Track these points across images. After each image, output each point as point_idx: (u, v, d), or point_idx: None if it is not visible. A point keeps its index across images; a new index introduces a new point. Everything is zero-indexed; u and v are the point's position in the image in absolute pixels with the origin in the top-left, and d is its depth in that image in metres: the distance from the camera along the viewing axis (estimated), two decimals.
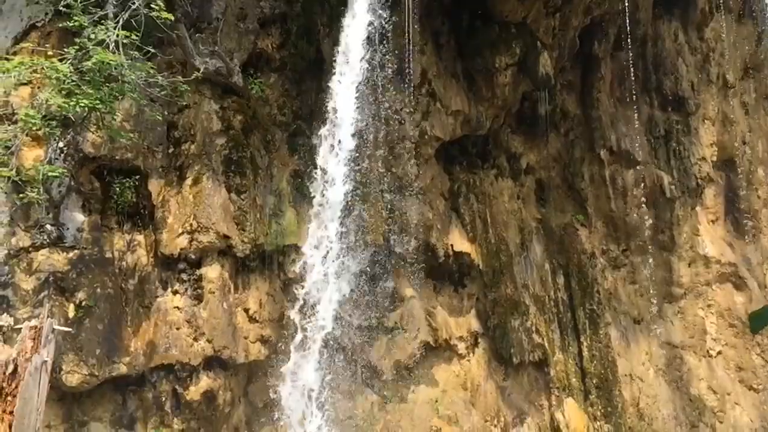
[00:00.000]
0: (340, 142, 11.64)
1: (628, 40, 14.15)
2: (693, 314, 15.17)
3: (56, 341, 6.41)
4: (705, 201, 15.84)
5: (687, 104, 15.97)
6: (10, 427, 5.70)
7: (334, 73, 11.77)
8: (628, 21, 13.92)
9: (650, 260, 14.92)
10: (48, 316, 6.24)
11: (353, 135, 11.64)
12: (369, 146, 11.96)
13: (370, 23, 11.58)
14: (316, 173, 11.79)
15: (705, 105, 16.17)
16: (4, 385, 5.88)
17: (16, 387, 5.83)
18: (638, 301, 14.97)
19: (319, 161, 11.77)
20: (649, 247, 14.93)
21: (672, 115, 15.98)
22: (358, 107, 11.66)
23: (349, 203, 11.74)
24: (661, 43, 16.07)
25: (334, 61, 11.85)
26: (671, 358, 14.77)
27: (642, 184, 14.95)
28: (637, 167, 15.01)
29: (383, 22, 11.60)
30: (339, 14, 11.73)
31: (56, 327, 6.21)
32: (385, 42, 11.74)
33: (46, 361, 5.97)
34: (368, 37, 11.58)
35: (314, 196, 11.71)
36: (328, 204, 11.60)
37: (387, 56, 11.77)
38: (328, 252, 11.41)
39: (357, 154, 11.77)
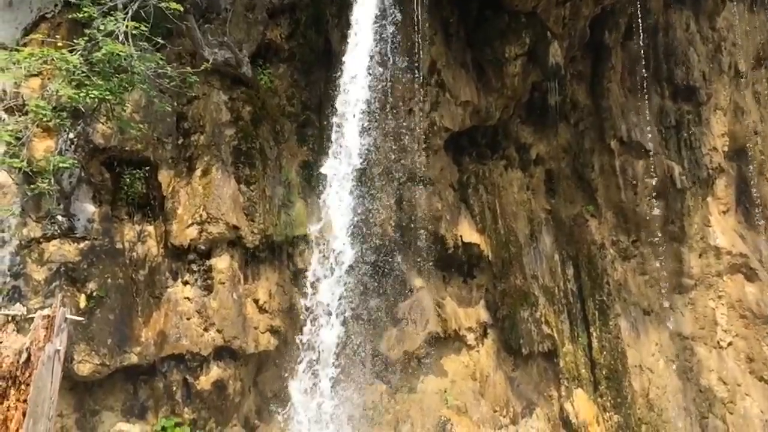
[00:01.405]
0: (336, 252, 10.58)
1: (639, 30, 14.06)
2: (703, 305, 15.10)
3: (68, 331, 6.44)
4: (716, 191, 15.74)
5: (698, 94, 15.86)
6: (24, 415, 5.74)
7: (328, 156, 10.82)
8: (639, 10, 13.84)
9: (660, 251, 14.86)
10: (60, 306, 6.27)
11: (352, 243, 10.55)
12: (378, 139, 11.83)
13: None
14: (306, 293, 10.62)
15: (716, 95, 16.05)
16: (18, 373, 5.93)
17: (30, 375, 5.87)
18: (648, 292, 14.92)
19: (310, 274, 10.66)
20: (660, 237, 14.86)
21: (683, 105, 15.87)
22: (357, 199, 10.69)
23: (346, 340, 10.55)
24: (673, 32, 15.94)
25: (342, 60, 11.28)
26: (681, 349, 14.72)
27: (652, 175, 14.86)
28: (648, 158, 14.91)
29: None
30: (348, 4, 11.68)
31: (69, 316, 6.24)
32: (394, 33, 11.54)
33: (59, 350, 6.01)
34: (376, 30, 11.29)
35: (301, 333, 10.29)
36: (320, 344, 10.28)
37: (396, 47, 11.62)
38: (321, 406, 10.21)
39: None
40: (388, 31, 11.40)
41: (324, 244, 10.77)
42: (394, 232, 12.24)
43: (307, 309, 10.75)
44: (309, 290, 10.77)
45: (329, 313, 10.48)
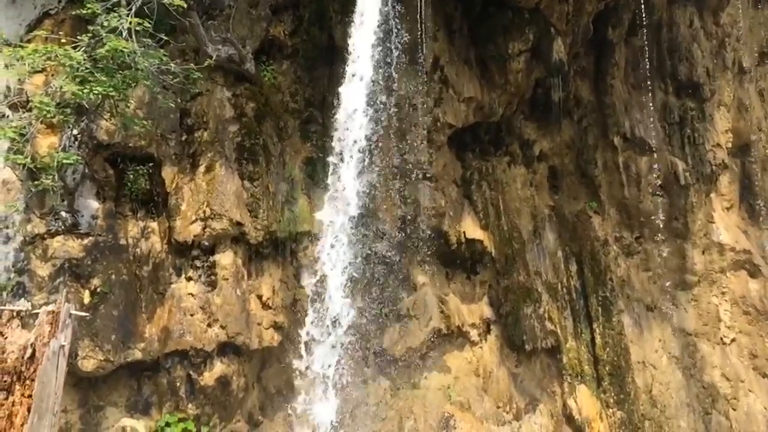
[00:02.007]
0: (332, 315, 10.08)
1: (643, 26, 14.02)
2: (707, 301, 15.09)
3: (73, 326, 6.47)
4: (719, 188, 15.72)
5: (702, 90, 15.83)
6: (28, 410, 5.77)
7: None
8: (642, 6, 13.78)
9: (664, 247, 14.85)
10: (65, 302, 6.29)
11: (351, 303, 10.02)
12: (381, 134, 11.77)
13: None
14: (300, 354, 10.13)
15: (720, 91, 16.01)
16: (23, 369, 5.96)
17: (35, 371, 5.90)
18: (651, 288, 14.91)
19: (303, 334, 10.13)
20: (663, 234, 14.85)
21: (687, 101, 15.85)
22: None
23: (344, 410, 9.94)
24: (676, 28, 15.91)
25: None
26: (684, 345, 14.72)
27: (656, 171, 14.84)
28: (651, 154, 14.89)
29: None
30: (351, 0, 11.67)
31: (73, 312, 6.26)
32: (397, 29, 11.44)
33: (63, 346, 6.04)
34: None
35: (295, 400, 9.74)
36: (314, 419, 9.78)
37: (399, 43, 11.56)
38: None
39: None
40: (393, 55, 11.16)
41: (319, 302, 10.44)
42: (397, 228, 12.23)
43: (301, 373, 10.54)
44: (303, 352, 10.56)
45: (324, 382, 10.09)
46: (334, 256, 10.54)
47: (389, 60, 11.29)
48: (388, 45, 11.28)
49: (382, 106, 10.92)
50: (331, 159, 10.95)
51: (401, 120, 12.18)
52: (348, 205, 10.64)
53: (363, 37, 11.00)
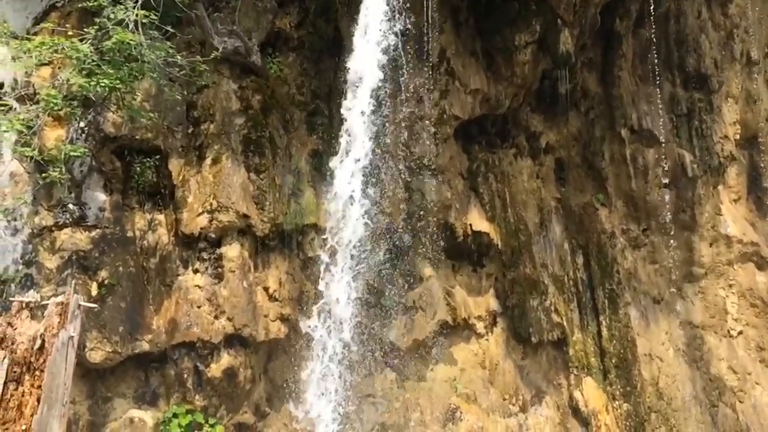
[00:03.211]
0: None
1: (651, 17, 13.93)
2: (714, 294, 15.04)
3: (81, 318, 6.50)
4: (727, 180, 15.63)
5: (710, 82, 15.73)
6: (38, 400, 5.81)
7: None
8: None
9: (671, 240, 14.80)
10: (73, 293, 6.32)
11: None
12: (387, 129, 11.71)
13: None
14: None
15: (728, 83, 15.90)
16: (32, 359, 6.00)
17: (44, 362, 5.94)
18: (658, 280, 14.87)
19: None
20: (670, 226, 14.80)
21: (694, 93, 15.74)
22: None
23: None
24: (684, 19, 15.80)
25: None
26: (691, 338, 14.69)
27: (663, 163, 14.78)
28: (659, 146, 14.81)
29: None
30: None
31: (82, 303, 6.29)
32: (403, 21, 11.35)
33: (72, 337, 6.07)
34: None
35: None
36: None
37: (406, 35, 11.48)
38: None
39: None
40: (404, 112, 10.85)
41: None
42: (403, 220, 12.22)
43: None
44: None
45: None
46: (323, 389, 10.20)
47: (397, 117, 10.87)
48: (401, 106, 10.69)
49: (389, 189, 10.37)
50: (322, 256, 10.49)
51: (407, 112, 12.18)
52: (341, 324, 10.15)
53: (360, 102, 10.57)
